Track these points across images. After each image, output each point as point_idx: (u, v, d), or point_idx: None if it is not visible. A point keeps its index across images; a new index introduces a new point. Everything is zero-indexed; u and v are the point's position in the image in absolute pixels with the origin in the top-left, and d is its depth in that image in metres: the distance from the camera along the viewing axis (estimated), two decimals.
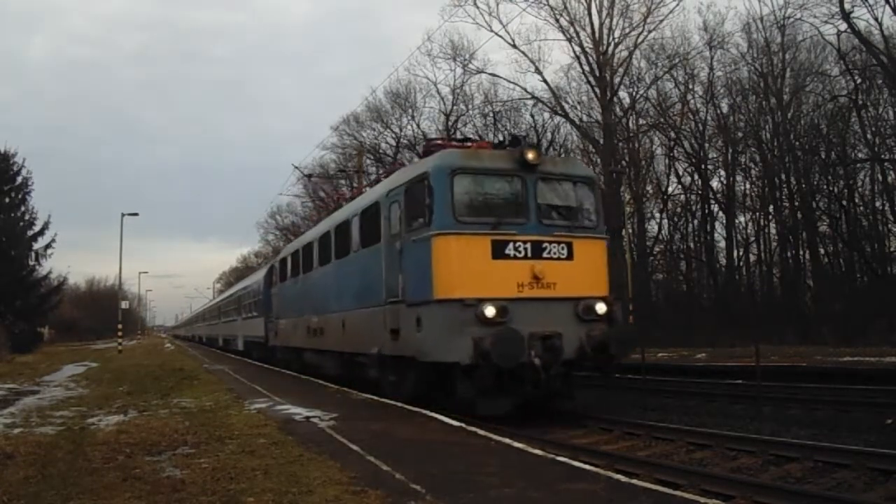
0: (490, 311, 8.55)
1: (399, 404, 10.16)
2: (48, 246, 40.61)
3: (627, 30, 30.07)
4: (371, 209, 11.29)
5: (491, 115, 34.10)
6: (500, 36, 30.21)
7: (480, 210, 9.19)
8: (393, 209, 10.17)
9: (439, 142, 11.69)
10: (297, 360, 17.77)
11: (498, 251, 8.88)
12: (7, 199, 38.70)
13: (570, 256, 9.30)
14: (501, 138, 16.09)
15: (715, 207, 31.37)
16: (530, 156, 9.33)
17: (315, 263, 15.29)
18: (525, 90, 32.10)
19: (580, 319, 9.23)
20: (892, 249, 26.53)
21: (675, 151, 31.65)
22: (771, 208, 29.67)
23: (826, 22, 24.26)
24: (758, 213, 30.84)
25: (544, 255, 9.09)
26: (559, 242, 9.24)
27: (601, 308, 9.38)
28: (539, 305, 8.95)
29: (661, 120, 30.97)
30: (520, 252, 8.95)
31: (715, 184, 31.30)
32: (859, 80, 24.97)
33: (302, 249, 17.03)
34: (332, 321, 13.55)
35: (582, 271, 9.42)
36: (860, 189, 27.61)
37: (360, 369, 12.14)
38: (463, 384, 8.88)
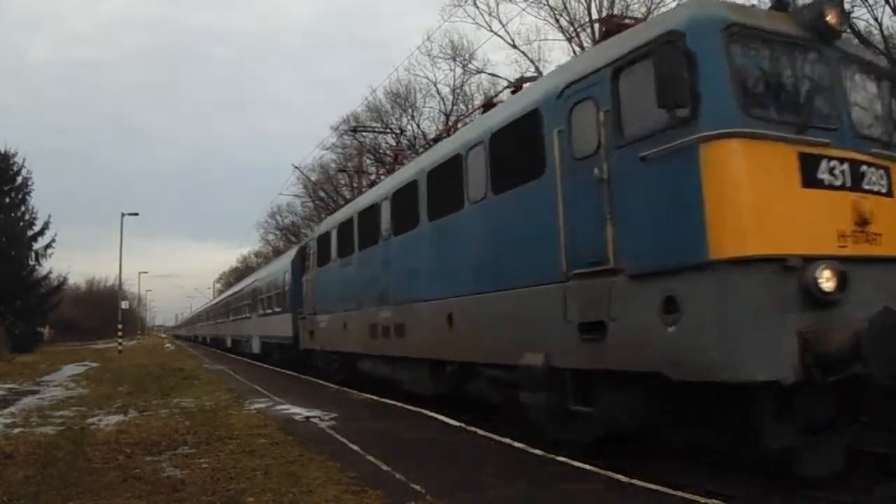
0: (828, 279, 4.92)
1: (399, 404, 10.12)
2: (48, 246, 40.74)
3: None
4: (516, 127, 7.29)
5: None
6: (500, 36, 30.08)
7: (773, 101, 5.45)
8: (579, 115, 6.25)
9: (627, 20, 7.49)
10: (348, 368, 13.75)
11: (808, 174, 5.17)
12: (7, 199, 38.74)
13: (889, 191, 5.68)
14: None
15: None
16: (831, 18, 5.68)
17: (385, 232, 11.04)
18: None
19: None
20: None
21: None
22: None
23: None
24: None
25: (864, 185, 5.45)
26: (877, 167, 5.62)
27: None
28: (873, 270, 5.34)
29: None
30: (836, 178, 5.29)
31: None
32: None
33: (358, 217, 12.60)
34: (423, 314, 9.41)
35: None
36: None
37: (487, 389, 8.30)
38: (776, 423, 5.10)
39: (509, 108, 7.85)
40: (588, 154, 6.08)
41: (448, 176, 8.77)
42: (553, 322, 6.40)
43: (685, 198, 5.10)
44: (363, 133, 31.04)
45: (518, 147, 7.23)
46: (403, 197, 10.33)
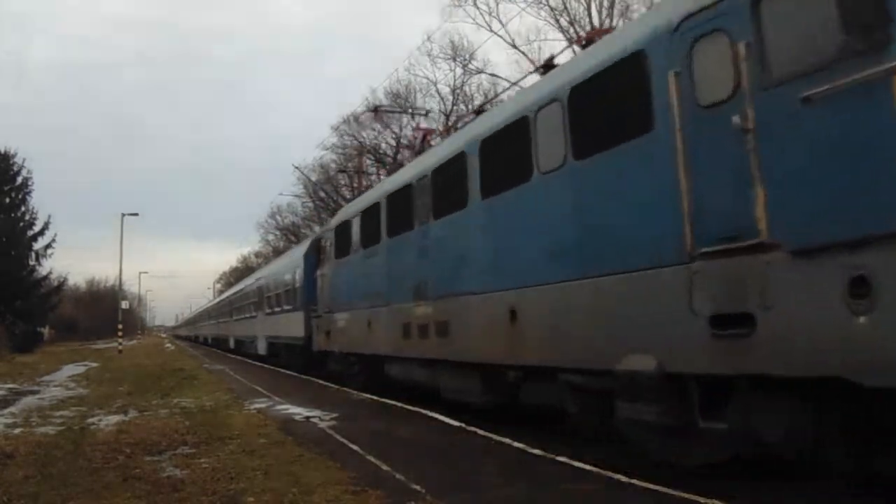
0: None
1: (399, 404, 10.10)
2: (48, 246, 40.84)
3: None
4: (610, 75, 5.98)
5: None
6: (500, 36, 30.14)
7: None
8: (704, 52, 5.03)
9: None
10: (372, 372, 12.13)
11: None
12: (7, 199, 38.80)
13: None
14: None
15: None
16: None
17: (422, 217, 9.54)
18: None
19: None
20: None
21: None
22: None
23: None
24: None
25: None
26: None
27: None
28: None
29: None
30: None
31: None
32: None
33: (386, 202, 11.05)
34: (473, 310, 8.02)
35: None
36: None
37: (559, 398, 6.72)
38: None
39: (593, 58, 6.45)
40: (721, 100, 4.87)
41: (509, 143, 7.44)
42: (670, 315, 5.09)
43: (875, 145, 3.92)
44: (362, 133, 30.95)
45: (613, 99, 6.00)
46: (446, 173, 8.89)
